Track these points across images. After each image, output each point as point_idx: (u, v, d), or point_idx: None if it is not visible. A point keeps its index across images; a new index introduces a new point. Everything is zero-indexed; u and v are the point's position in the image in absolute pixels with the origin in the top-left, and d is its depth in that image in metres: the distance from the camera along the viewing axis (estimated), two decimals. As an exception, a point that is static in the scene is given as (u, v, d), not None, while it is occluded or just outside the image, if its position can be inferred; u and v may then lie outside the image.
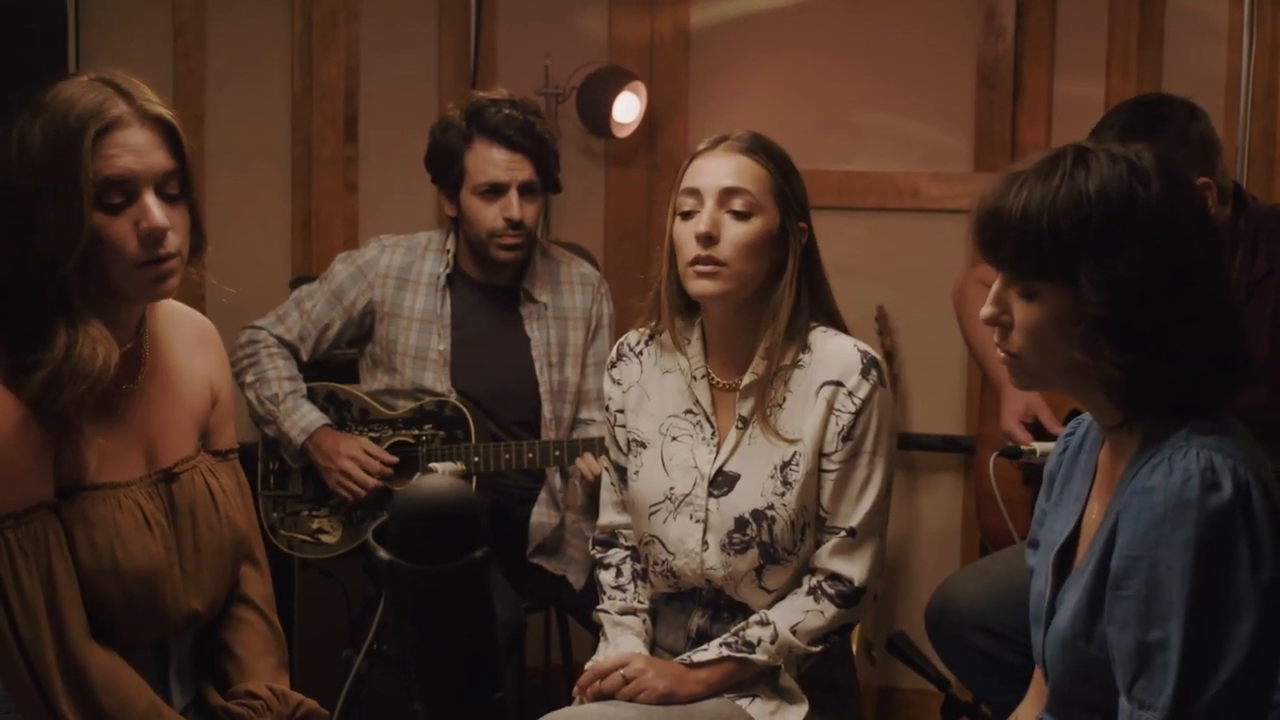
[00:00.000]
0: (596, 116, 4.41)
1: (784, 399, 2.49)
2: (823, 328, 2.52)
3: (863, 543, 2.48)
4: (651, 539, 2.57)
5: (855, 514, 2.47)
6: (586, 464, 3.18)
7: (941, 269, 4.33)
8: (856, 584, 2.48)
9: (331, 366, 3.57)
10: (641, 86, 4.41)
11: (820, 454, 2.46)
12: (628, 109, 4.41)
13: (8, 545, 2.00)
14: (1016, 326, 1.94)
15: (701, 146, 2.52)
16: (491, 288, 3.46)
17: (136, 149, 2.05)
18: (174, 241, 2.09)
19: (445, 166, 3.39)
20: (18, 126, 2.04)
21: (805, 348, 2.49)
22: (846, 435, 2.45)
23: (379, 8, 4.43)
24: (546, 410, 3.41)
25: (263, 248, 4.35)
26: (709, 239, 2.44)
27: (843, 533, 2.48)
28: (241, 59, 4.31)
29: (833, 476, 2.46)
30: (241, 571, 2.34)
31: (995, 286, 1.96)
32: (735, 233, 2.44)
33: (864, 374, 2.45)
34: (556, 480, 3.42)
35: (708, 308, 2.52)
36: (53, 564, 2.03)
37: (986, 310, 1.96)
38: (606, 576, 2.70)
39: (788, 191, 2.48)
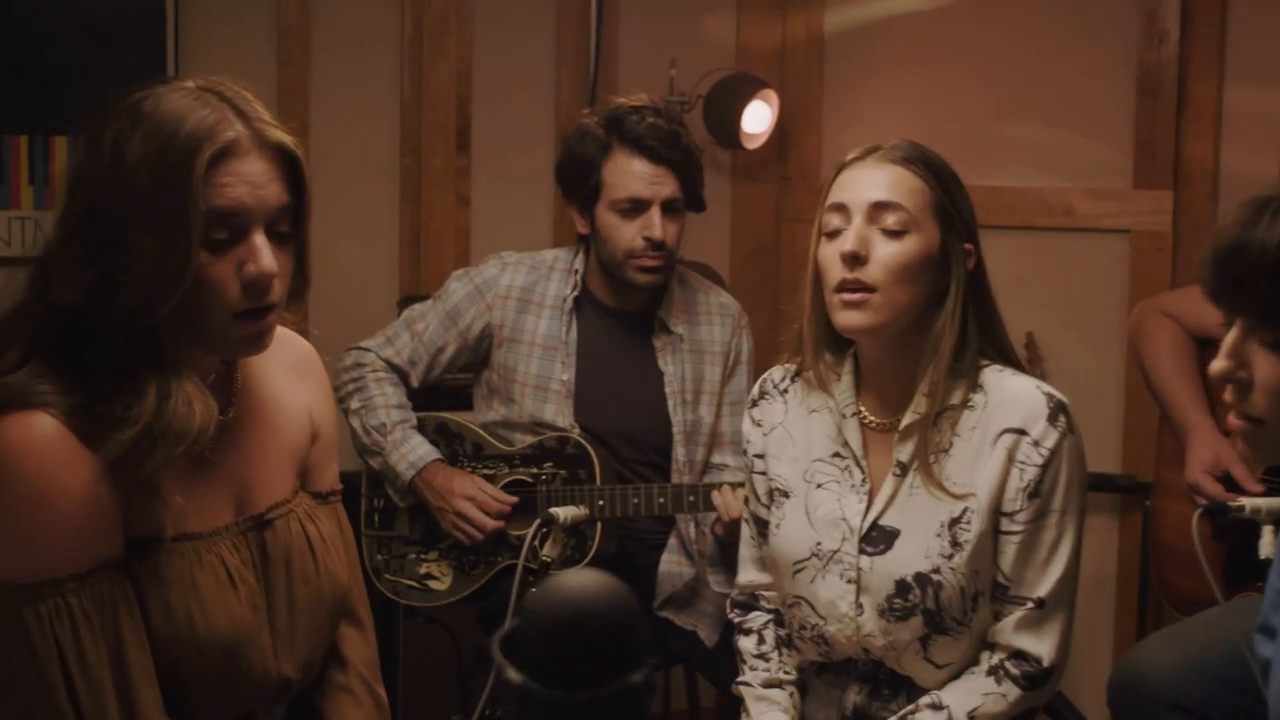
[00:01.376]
0: (724, 127, 4.14)
1: (950, 444, 2.18)
2: (996, 366, 2.20)
3: (1052, 615, 2.17)
4: (797, 600, 2.27)
5: (1043, 583, 2.16)
6: (725, 500, 2.86)
7: (1096, 293, 4.03)
8: (1045, 664, 2.16)
9: (443, 393, 3.29)
10: (773, 95, 4.12)
11: (998, 512, 2.15)
12: (758, 119, 4.13)
13: (70, 611, 1.73)
14: (1259, 386, 1.60)
15: (850, 156, 2.22)
16: (623, 314, 3.17)
17: (252, 180, 1.77)
18: (278, 290, 1.82)
19: (580, 179, 3.10)
20: (110, 134, 1.75)
21: (976, 387, 2.18)
22: (1033, 492, 2.14)
23: (493, 11, 4.17)
24: (679, 453, 3.11)
25: (369, 265, 4.10)
26: (855, 259, 2.13)
27: (1029, 604, 2.16)
28: (348, 65, 4.06)
29: (1016, 539, 2.15)
30: (341, 631, 2.07)
31: (1232, 337, 1.63)
32: (886, 253, 2.14)
33: (1051, 420, 2.14)
34: (691, 530, 3.11)
35: (860, 342, 2.22)
36: (122, 631, 1.77)
37: (1220, 365, 1.63)
38: (747, 644, 2.40)
39: (950, 208, 2.17)
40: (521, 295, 3.14)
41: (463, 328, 3.15)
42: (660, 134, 3.02)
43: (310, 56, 4.01)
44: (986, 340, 2.21)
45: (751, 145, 4.17)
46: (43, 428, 1.72)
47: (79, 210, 1.77)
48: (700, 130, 4.21)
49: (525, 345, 3.12)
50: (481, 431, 3.13)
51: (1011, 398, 2.16)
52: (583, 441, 3.03)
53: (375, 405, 3.09)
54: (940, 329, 2.15)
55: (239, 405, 1.94)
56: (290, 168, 1.82)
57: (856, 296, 2.13)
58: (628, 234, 3.04)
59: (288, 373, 2.05)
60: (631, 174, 3.03)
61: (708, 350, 3.16)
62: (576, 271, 3.15)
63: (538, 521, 2.56)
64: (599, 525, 2.98)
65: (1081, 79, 4.12)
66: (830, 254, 2.16)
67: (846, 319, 2.14)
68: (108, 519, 1.77)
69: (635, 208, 3.04)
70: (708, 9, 4.32)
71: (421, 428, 3.13)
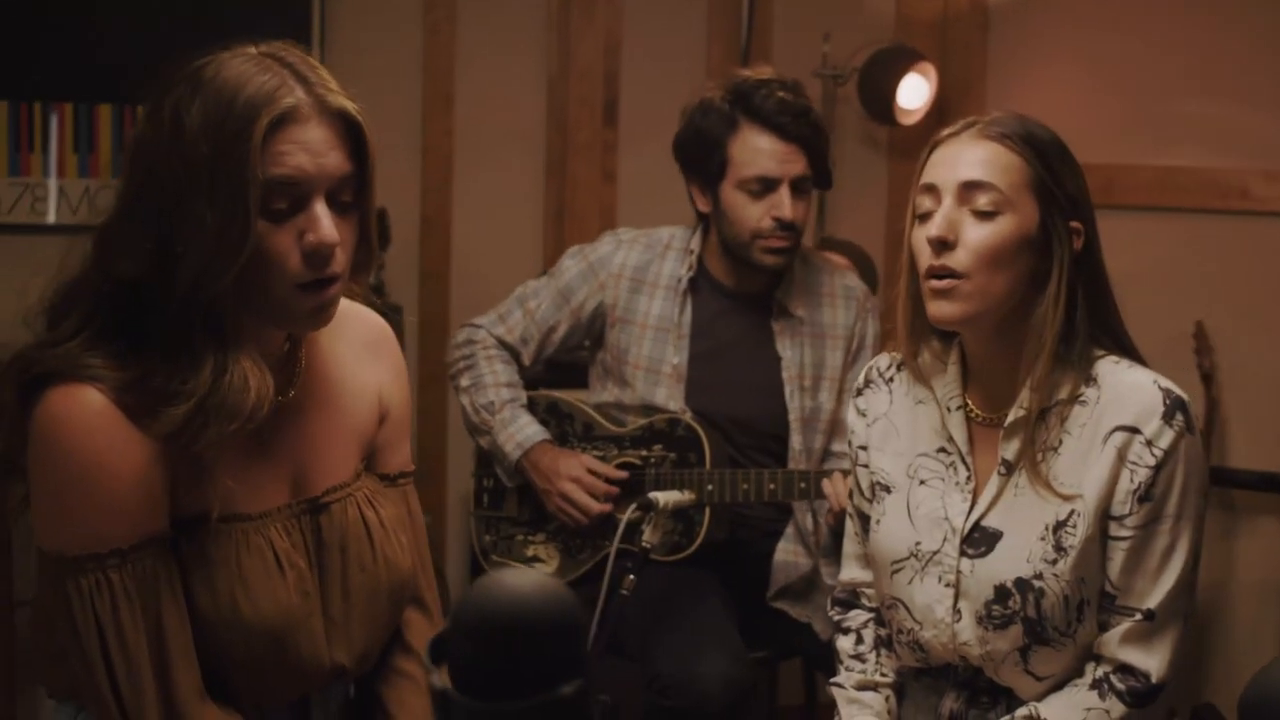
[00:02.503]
0: (879, 101, 4.00)
1: (1060, 442, 2.02)
2: (1113, 356, 2.04)
3: (1163, 629, 2.00)
4: (894, 602, 2.14)
5: (1154, 593, 1.99)
6: (835, 488, 2.74)
7: (1272, 280, 3.79)
8: (1154, 680, 2.00)
9: (562, 369, 3.22)
10: (930, 68, 3.96)
11: (1106, 516, 1.99)
12: (915, 93, 3.97)
13: (111, 588, 1.70)
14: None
15: (944, 132, 2.07)
16: (740, 296, 3.04)
17: (312, 147, 1.70)
18: (340, 261, 1.74)
19: (703, 155, 2.98)
20: (170, 102, 1.70)
21: (1089, 380, 2.02)
22: (1144, 495, 1.97)
23: (643, -19, 4.08)
24: (795, 440, 2.98)
25: (512, 240, 4.06)
26: (942, 244, 1.99)
27: (1138, 615, 2.00)
28: (495, 37, 4.01)
29: (1125, 545, 1.99)
30: (406, 617, 2.00)
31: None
32: (975, 236, 1.98)
33: (1167, 418, 1.97)
34: (809, 520, 2.99)
35: (961, 331, 2.08)
36: (162, 609, 1.72)
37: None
38: (845, 643, 2.28)
39: (1051, 184, 2.00)
40: (635, 275, 3.05)
41: (575, 307, 3.07)
42: (790, 110, 2.89)
43: (456, 27, 3.97)
44: (1099, 327, 2.04)
45: (908, 121, 4.01)
46: (88, 402, 1.68)
47: (139, 180, 1.73)
48: (854, 105, 4.08)
49: (637, 326, 3.02)
50: (593, 412, 3.04)
51: (1126, 392, 2.00)
52: (693, 424, 2.93)
53: (484, 384, 3.03)
54: (1042, 316, 1.99)
55: (301, 385, 1.88)
56: (353, 135, 1.76)
57: (944, 284, 1.99)
58: (755, 214, 2.91)
59: (358, 351, 1.99)
60: (761, 151, 2.91)
61: (829, 334, 3.03)
62: (692, 251, 3.04)
63: (632, 505, 2.47)
64: (707, 511, 2.87)
65: (1265, 54, 3.87)
66: (920, 239, 2.02)
67: (936, 309, 2.01)
68: (153, 497, 1.73)
69: (764, 187, 2.91)
70: (866, -23, 4.19)
71: (532, 407, 3.06)
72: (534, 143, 4.07)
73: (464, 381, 3.06)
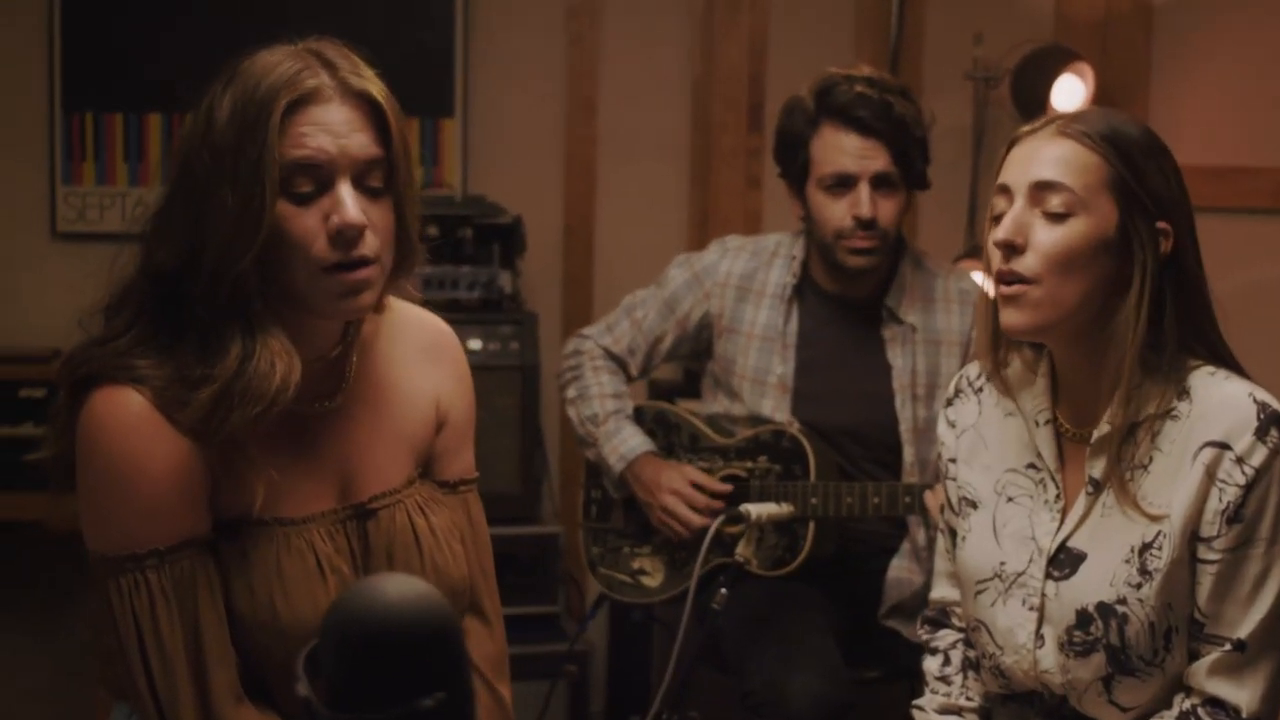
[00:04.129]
0: (1033, 103, 3.86)
1: (1150, 459, 1.89)
2: (1209, 367, 1.90)
3: (1256, 660, 1.86)
4: (978, 625, 2.03)
5: (1245, 621, 1.85)
6: (936, 501, 2.63)
7: None
8: (1245, 715, 1.86)
9: (683, 377, 3.17)
10: (1086, 68, 3.81)
11: (1195, 538, 1.86)
12: (1069, 94, 3.83)
13: (148, 587, 1.71)
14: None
15: (1022, 130, 1.96)
16: (848, 302, 2.95)
17: (333, 128, 1.70)
18: (371, 244, 1.72)
19: (791, 156, 2.91)
20: (208, 98, 1.73)
21: (1183, 393, 1.89)
22: (1233, 516, 1.84)
23: (790, -17, 4.01)
24: (908, 452, 2.88)
25: (655, 247, 3.98)
26: (1010, 248, 1.87)
27: (1227, 645, 1.86)
28: (638, 41, 3.98)
29: (1214, 569, 1.85)
30: (465, 626, 1.97)
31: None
32: (1045, 240, 1.87)
33: (1260, 434, 1.83)
34: (922, 535, 2.88)
35: (1044, 342, 1.97)
36: (199, 613, 1.72)
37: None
38: (931, 664, 2.18)
39: (1134, 183, 1.87)
40: (740, 283, 2.97)
41: (681, 316, 3.00)
42: (869, 103, 2.79)
43: (599, 33, 3.96)
44: (1191, 335, 1.91)
45: (1063, 123, 3.85)
46: (128, 404, 1.70)
47: (176, 174, 1.75)
48: (1008, 108, 3.95)
49: (744, 336, 2.95)
50: (700, 423, 2.98)
51: (1217, 405, 1.86)
52: (798, 436, 2.84)
53: (590, 395, 2.99)
54: (1124, 323, 1.87)
55: (350, 390, 1.86)
56: (379, 119, 1.74)
57: (1012, 289, 1.87)
58: (837, 213, 2.82)
59: (416, 356, 1.97)
60: (838, 148, 2.81)
61: (944, 340, 2.91)
62: (795, 258, 2.96)
63: (720, 517, 2.41)
64: (811, 525, 2.78)
65: None
66: (991, 242, 1.92)
67: (1005, 317, 1.90)
68: (192, 498, 1.73)
69: (843, 184, 2.82)
70: (1024, -25, 4.05)
71: (640, 417, 3.00)
72: (677, 148, 4.04)
73: (570, 393, 3.03)
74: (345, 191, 1.70)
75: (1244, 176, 3.89)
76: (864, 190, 2.79)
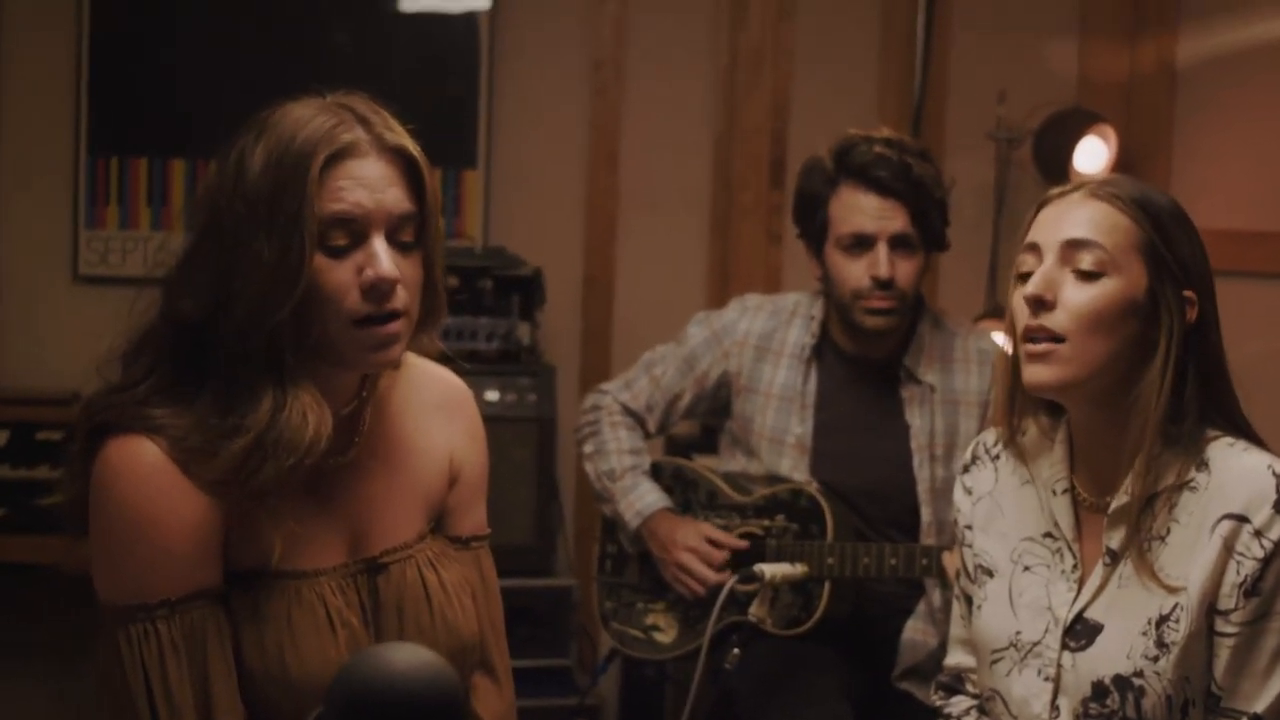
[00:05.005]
0: (1055, 165, 3.88)
1: (1168, 530, 1.87)
2: (1228, 439, 1.89)
3: (1273, 735, 1.84)
4: (993, 694, 2.01)
5: (1263, 695, 1.83)
6: (952, 561, 2.61)
7: None
8: (1260, 788, 1.83)
9: (701, 433, 3.15)
10: (1109, 130, 3.82)
11: (1212, 610, 1.84)
12: (1092, 156, 3.84)
13: (158, 638, 1.70)
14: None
15: (1053, 192, 1.95)
16: (866, 363, 2.93)
17: (370, 183, 1.71)
18: (402, 298, 1.73)
19: (809, 216, 2.90)
20: (238, 149, 1.73)
21: (1202, 464, 1.87)
22: (1251, 589, 1.81)
23: (813, 41, 4.03)
24: (925, 512, 2.85)
25: (675, 301, 4.01)
26: (1039, 303, 1.86)
27: (1244, 719, 1.84)
28: (661, 95, 4.00)
29: (1231, 643, 1.83)
30: (474, 683, 1.95)
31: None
32: (1076, 297, 1.85)
33: (1279, 507, 1.81)
34: (937, 596, 2.85)
35: (1065, 404, 1.95)
36: (209, 664, 1.71)
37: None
38: (945, 731, 2.16)
39: (1163, 249, 1.87)
40: (760, 342, 2.96)
41: (699, 374, 3.00)
42: (888, 165, 2.78)
43: (623, 87, 3.98)
44: (1211, 406, 1.89)
45: (1085, 185, 3.86)
46: (142, 455, 1.69)
47: (203, 223, 1.76)
48: (1030, 170, 3.95)
49: (762, 396, 2.93)
50: (718, 480, 2.96)
51: (1236, 477, 1.84)
52: (816, 495, 2.82)
53: (608, 450, 2.98)
54: (1148, 390, 1.86)
55: (364, 444, 1.86)
56: (413, 175, 1.75)
57: (1041, 348, 1.86)
58: (855, 273, 2.81)
59: (430, 412, 1.96)
60: (856, 208, 2.81)
61: (963, 401, 2.90)
62: (815, 318, 2.95)
63: (734, 577, 2.39)
64: (827, 585, 2.76)
65: None
66: (1019, 299, 1.91)
67: (1031, 374, 1.88)
68: (204, 550, 1.72)
69: (861, 244, 2.81)
70: (1048, 37, 4.05)
71: (657, 473, 2.99)
72: (699, 202, 4.05)
73: (588, 448, 3.02)
74: (380, 246, 1.71)
75: (1267, 241, 3.87)
76: (882, 251, 2.78)
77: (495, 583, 2.02)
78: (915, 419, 2.87)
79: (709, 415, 3.07)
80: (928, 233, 2.83)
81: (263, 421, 1.69)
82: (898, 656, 2.85)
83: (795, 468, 2.88)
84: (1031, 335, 1.87)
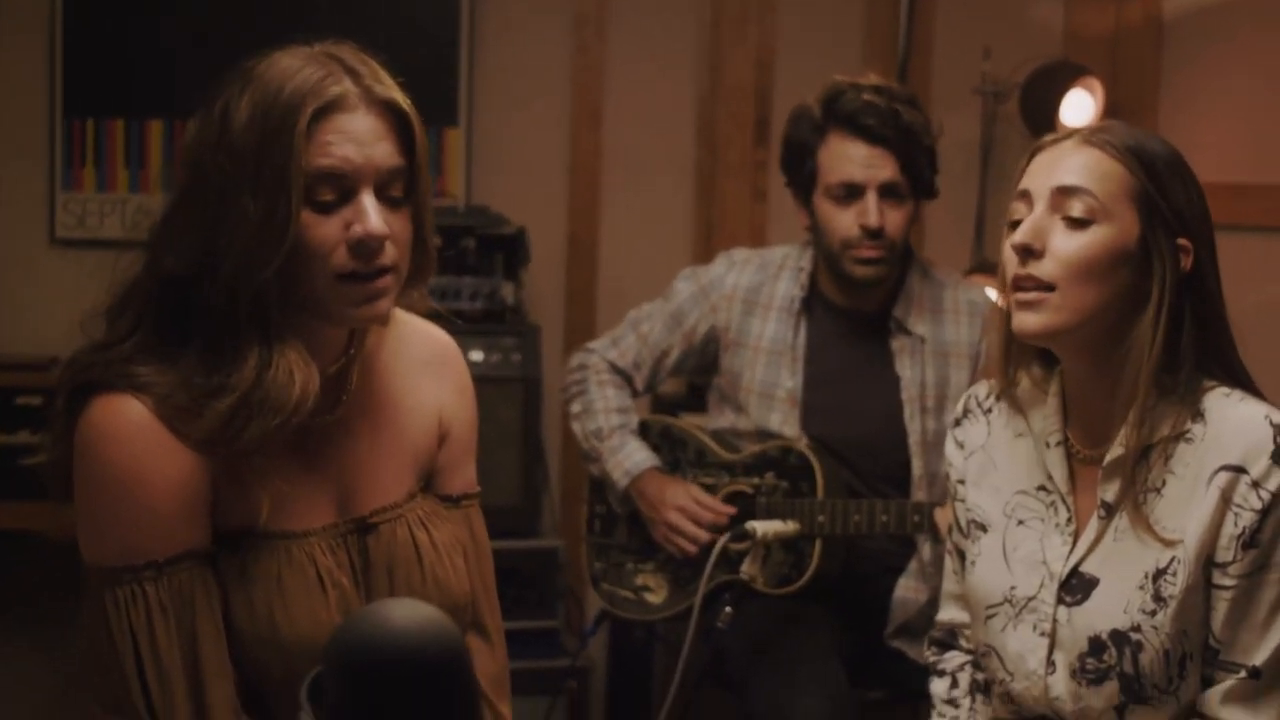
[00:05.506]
0: (1042, 119, 3.84)
1: (1163, 482, 1.86)
2: (1224, 389, 1.87)
3: (1271, 688, 1.82)
4: (988, 650, 2.00)
5: (1260, 648, 1.82)
6: (944, 517, 2.59)
7: None
8: (1259, 742, 1.82)
9: (688, 392, 3.13)
10: (1096, 83, 3.79)
11: (1210, 563, 1.82)
12: (1079, 109, 3.80)
13: (145, 600, 1.67)
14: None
15: (1047, 139, 1.92)
16: (856, 315, 2.91)
17: (358, 137, 1.67)
18: (391, 254, 1.70)
19: (797, 165, 2.87)
20: (222, 100, 1.69)
21: (1196, 414, 1.85)
22: (1249, 541, 1.80)
23: (797, -3, 3.98)
24: (916, 465, 2.83)
25: (660, 260, 3.96)
26: (1027, 251, 1.84)
27: (1242, 672, 1.82)
28: (645, 54, 3.96)
29: (1229, 596, 1.82)
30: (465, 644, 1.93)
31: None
32: (1066, 245, 1.83)
33: (1277, 458, 1.79)
34: (927, 550, 2.84)
35: (1057, 354, 1.93)
36: (197, 626, 1.69)
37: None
38: (938, 687, 2.14)
39: (1156, 196, 1.84)
40: (747, 296, 2.93)
41: (687, 330, 2.97)
42: (876, 112, 2.75)
43: (606, 45, 3.93)
44: (1208, 356, 1.87)
45: (1072, 139, 3.83)
46: (128, 413, 1.67)
47: (187, 178, 1.72)
48: (1017, 124, 3.92)
49: (751, 350, 2.91)
50: (706, 438, 2.94)
51: (1233, 428, 1.82)
52: (806, 452, 2.80)
53: (595, 409, 2.95)
54: (1140, 339, 1.83)
55: (351, 403, 1.83)
56: (404, 129, 1.72)
57: (1030, 296, 1.84)
58: (843, 222, 2.78)
59: (418, 369, 1.94)
60: (845, 156, 2.77)
61: (953, 352, 2.87)
62: (803, 269, 2.92)
63: (726, 534, 2.37)
64: (818, 543, 2.74)
65: None
66: (1009, 247, 1.88)
67: (1019, 321, 1.86)
68: (191, 510, 1.70)
69: (849, 193, 2.78)
70: (1033, -9, 4.03)
71: (645, 432, 2.97)
72: (683, 161, 4.01)
73: (575, 408, 2.99)
74: (368, 201, 1.67)
75: (1255, 194, 3.85)
76: (871, 199, 2.76)
77: (486, 542, 2.00)
78: (906, 370, 2.85)
79: (697, 372, 3.05)
80: (917, 181, 2.80)
81: (248, 380, 1.67)
82: (889, 614, 2.84)
83: (785, 422, 2.85)
84: (1020, 284, 1.85)
